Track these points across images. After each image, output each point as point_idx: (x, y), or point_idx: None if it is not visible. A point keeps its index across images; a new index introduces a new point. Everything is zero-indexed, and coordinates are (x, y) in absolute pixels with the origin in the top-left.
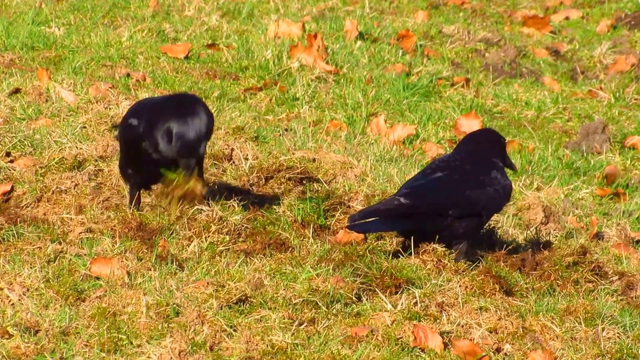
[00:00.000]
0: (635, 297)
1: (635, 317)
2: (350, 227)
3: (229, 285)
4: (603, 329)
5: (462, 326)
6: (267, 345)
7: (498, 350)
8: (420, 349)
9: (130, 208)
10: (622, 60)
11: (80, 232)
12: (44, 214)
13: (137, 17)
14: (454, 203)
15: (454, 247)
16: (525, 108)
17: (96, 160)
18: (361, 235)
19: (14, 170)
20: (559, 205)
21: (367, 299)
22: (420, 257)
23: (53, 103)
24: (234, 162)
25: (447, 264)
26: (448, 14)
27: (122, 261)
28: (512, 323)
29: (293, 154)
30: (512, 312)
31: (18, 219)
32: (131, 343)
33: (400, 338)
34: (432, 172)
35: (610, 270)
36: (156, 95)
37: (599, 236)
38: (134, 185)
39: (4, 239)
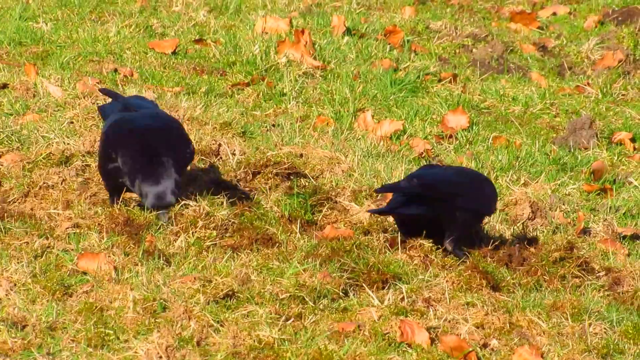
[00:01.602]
0: (622, 293)
1: (622, 312)
2: (377, 191)
3: (216, 280)
4: (590, 325)
5: (449, 321)
6: (254, 341)
7: (485, 345)
8: (407, 344)
9: (113, 204)
10: (610, 56)
11: (68, 227)
12: (31, 209)
13: (125, 12)
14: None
15: (450, 236)
16: (513, 104)
17: (83, 156)
18: (349, 231)
19: (1, 165)
20: (546, 201)
21: (354, 295)
22: (407, 252)
23: (40, 98)
24: (221, 158)
25: (434, 260)
26: (435, 10)
27: (109, 256)
28: (498, 318)
29: (280, 149)
30: (499, 307)
31: (5, 214)
32: (118, 338)
33: (387, 333)
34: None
35: (597, 266)
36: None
37: (585, 232)
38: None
39: None
